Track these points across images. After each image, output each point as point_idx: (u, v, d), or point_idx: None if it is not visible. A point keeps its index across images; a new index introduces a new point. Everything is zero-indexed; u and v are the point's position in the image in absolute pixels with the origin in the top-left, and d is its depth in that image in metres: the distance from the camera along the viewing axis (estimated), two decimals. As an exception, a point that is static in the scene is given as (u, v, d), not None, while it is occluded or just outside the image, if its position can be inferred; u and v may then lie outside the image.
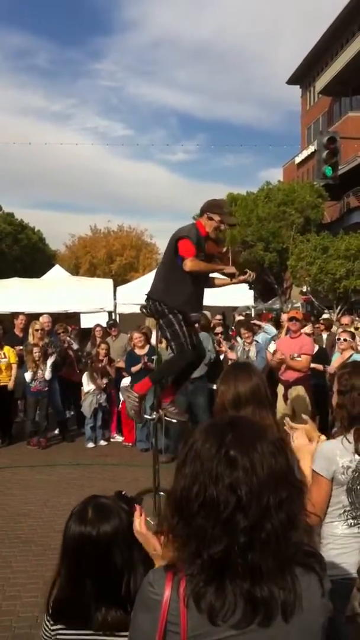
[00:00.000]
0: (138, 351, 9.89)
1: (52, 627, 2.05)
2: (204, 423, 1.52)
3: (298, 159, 45.71)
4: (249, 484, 1.31)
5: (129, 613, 1.80)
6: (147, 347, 9.86)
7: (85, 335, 12.85)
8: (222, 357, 9.94)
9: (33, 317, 11.63)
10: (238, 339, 10.21)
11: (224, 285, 6.28)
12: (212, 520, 1.31)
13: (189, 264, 5.45)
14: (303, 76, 47.54)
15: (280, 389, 8.59)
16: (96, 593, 2.00)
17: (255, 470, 1.32)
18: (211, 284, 6.17)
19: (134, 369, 9.77)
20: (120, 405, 10.33)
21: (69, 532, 2.07)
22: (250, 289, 6.05)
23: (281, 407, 8.44)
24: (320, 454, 2.99)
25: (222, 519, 1.30)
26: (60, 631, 2.04)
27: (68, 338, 11.37)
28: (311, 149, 42.83)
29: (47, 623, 2.07)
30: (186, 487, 1.37)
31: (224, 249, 6.69)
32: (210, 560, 1.31)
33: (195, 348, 5.93)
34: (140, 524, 1.99)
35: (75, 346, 11.41)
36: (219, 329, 11.12)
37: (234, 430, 1.40)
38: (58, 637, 2.04)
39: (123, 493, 2.26)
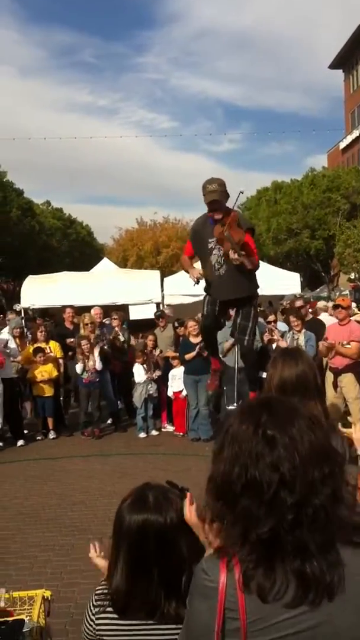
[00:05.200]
0: (192, 339, 9.92)
1: (97, 621, 2.01)
2: (238, 406, 1.52)
3: (342, 144, 45.02)
4: (291, 460, 1.30)
5: None
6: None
7: (135, 327, 12.94)
8: (274, 345, 9.86)
9: (83, 310, 11.78)
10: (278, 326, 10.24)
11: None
12: (257, 501, 1.30)
13: None
14: (345, 60, 46.67)
15: (330, 377, 8.53)
16: (163, 584, 1.95)
17: (295, 446, 1.32)
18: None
19: (187, 356, 9.84)
20: (173, 396, 10.43)
21: (128, 521, 2.01)
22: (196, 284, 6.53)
23: (331, 394, 8.39)
24: None
25: (267, 498, 1.29)
26: (112, 621, 1.99)
27: (116, 329, 11.47)
28: (355, 133, 42.18)
29: (91, 615, 2.03)
30: (227, 471, 1.36)
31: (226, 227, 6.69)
32: (259, 541, 1.30)
33: (208, 318, 6.84)
34: (190, 512, 1.95)
35: (122, 337, 11.50)
36: (271, 317, 11.04)
37: (268, 409, 1.40)
38: (107, 628, 2.00)
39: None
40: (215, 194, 6.14)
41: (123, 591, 1.99)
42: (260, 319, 10.42)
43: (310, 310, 11.64)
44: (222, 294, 6.54)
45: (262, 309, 13.51)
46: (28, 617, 2.75)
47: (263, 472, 1.31)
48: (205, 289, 6.81)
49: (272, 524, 1.29)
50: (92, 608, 2.04)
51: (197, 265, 6.80)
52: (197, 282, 6.40)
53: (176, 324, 11.30)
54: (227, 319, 7.66)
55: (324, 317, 11.28)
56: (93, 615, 2.03)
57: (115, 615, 2.00)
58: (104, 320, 11.65)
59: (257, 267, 6.53)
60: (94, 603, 2.05)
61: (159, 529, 1.98)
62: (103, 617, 2.01)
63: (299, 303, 10.69)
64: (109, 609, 2.01)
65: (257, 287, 6.78)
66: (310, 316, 10.27)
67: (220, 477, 1.38)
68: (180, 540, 1.97)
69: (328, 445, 1.39)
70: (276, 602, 1.29)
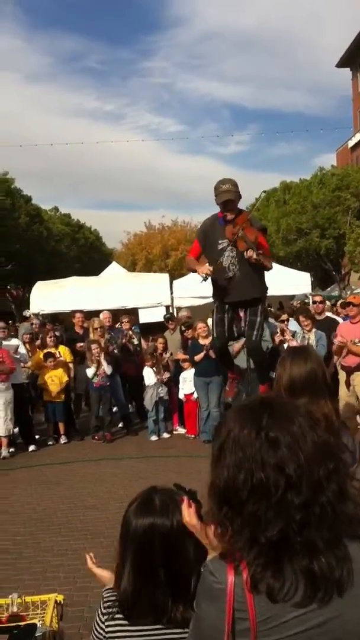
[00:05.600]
0: (202, 341, 9.91)
1: (107, 628, 1.98)
2: (235, 408, 1.49)
3: (351, 143, 44.83)
4: (296, 460, 1.29)
5: None
6: (211, 337, 9.83)
7: (145, 330, 12.93)
8: (285, 346, 9.80)
9: (92, 314, 11.79)
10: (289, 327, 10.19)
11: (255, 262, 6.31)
12: (265, 504, 1.29)
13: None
14: (353, 58, 46.43)
15: (342, 375, 8.47)
16: (170, 588, 1.94)
17: (299, 446, 1.31)
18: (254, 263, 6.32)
19: (196, 358, 9.82)
20: (184, 398, 10.40)
21: (134, 524, 2.00)
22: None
23: (344, 393, 8.33)
24: None
25: (275, 500, 1.28)
26: (122, 627, 1.96)
27: (130, 332, 11.45)
28: (364, 131, 41.93)
29: (100, 622, 2.00)
30: (231, 477, 1.34)
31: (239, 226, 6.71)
32: (269, 543, 1.29)
33: (220, 337, 6.82)
34: (190, 514, 1.82)
35: (135, 341, 11.48)
36: (284, 317, 11.00)
37: (268, 411, 1.38)
38: (117, 634, 1.96)
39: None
40: (230, 194, 6.11)
41: (130, 594, 1.97)
42: (272, 320, 10.38)
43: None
44: (235, 296, 6.49)
45: (272, 309, 13.47)
46: (41, 622, 2.74)
47: (269, 476, 1.30)
48: (214, 293, 6.75)
49: (281, 525, 1.29)
50: (101, 616, 2.02)
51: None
52: (205, 279, 6.29)
53: (183, 328, 11.27)
54: (238, 322, 7.61)
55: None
56: (102, 623, 2.01)
57: (125, 622, 1.98)
58: (116, 325, 11.66)
59: (272, 266, 6.56)
60: (102, 611, 2.03)
61: (165, 532, 1.96)
62: (113, 624, 1.99)
63: (318, 298, 10.69)
64: (118, 615, 1.99)
65: (266, 287, 6.77)
66: (324, 315, 10.19)
67: (223, 483, 1.37)
68: (187, 544, 1.94)
69: (330, 441, 1.38)
70: (289, 604, 1.28)
